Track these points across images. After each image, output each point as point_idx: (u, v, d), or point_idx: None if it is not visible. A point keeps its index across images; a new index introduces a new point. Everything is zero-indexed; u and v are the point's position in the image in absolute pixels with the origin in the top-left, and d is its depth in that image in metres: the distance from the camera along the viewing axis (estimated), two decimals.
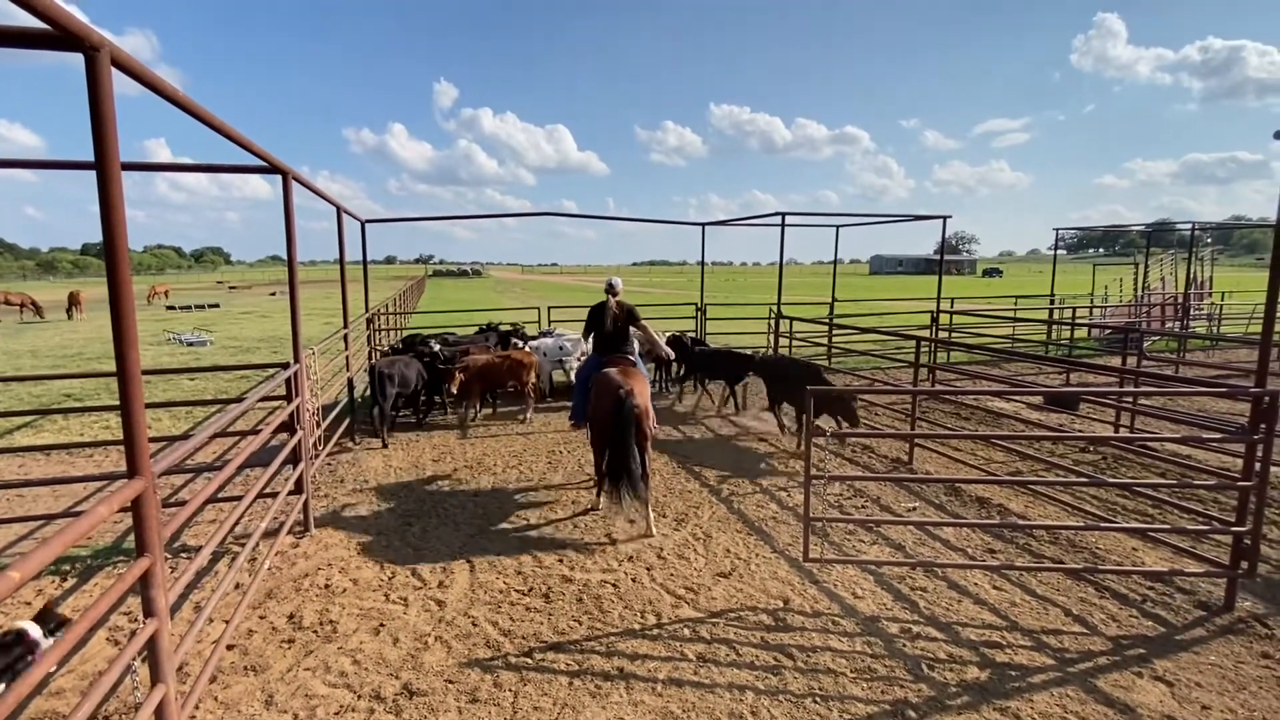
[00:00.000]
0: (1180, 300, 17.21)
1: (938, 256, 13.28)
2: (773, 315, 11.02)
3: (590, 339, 6.58)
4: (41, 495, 6.47)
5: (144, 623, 2.59)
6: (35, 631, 3.01)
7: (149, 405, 2.61)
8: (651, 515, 5.64)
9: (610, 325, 6.32)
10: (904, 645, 3.95)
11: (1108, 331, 15.14)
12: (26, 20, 1.90)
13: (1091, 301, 19.92)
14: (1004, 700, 3.46)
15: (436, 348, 9.31)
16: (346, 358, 8.47)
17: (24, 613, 4.28)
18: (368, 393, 9.00)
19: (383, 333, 12.66)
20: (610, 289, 6.46)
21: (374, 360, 9.67)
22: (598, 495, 6.02)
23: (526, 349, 10.17)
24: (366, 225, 10.01)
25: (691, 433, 8.74)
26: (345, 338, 8.28)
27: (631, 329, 6.46)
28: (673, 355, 8.76)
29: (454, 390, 8.70)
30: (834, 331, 12.40)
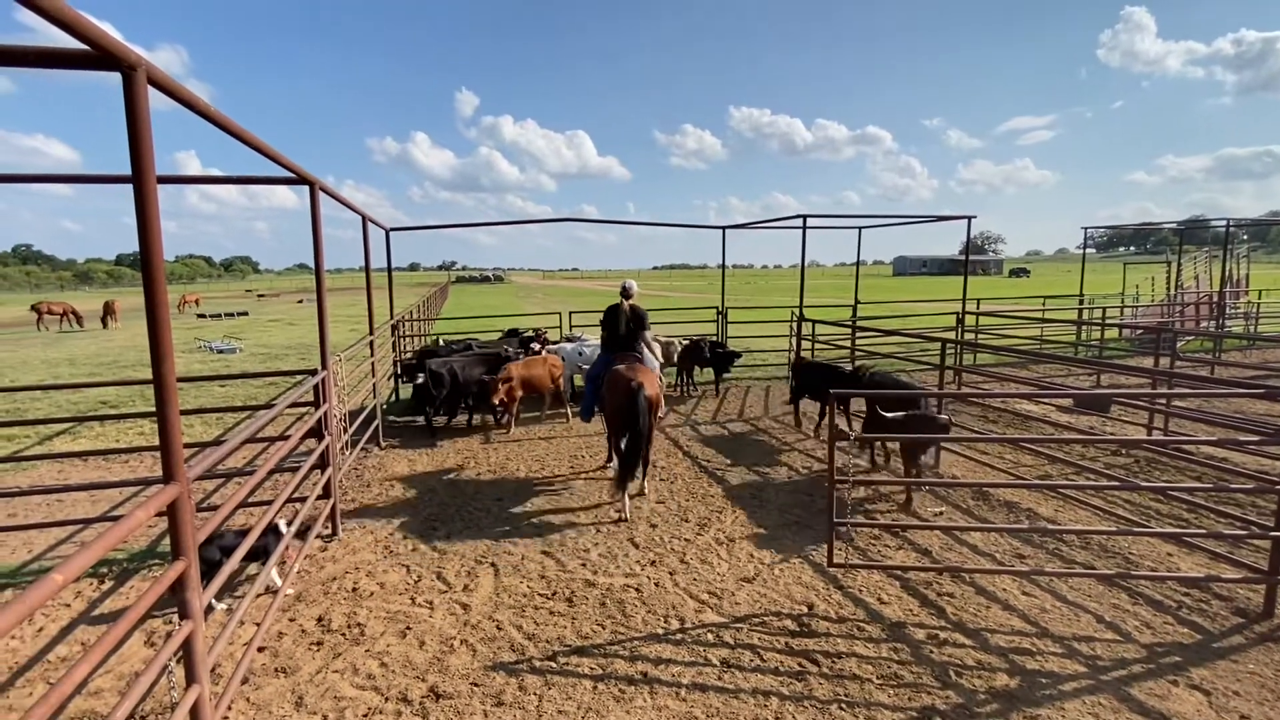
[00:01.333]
0: (1215, 299, 16.78)
1: (963, 257, 13.11)
2: (795, 318, 10.96)
3: (603, 338, 7.09)
4: (80, 500, 6.65)
5: (179, 625, 2.65)
6: (283, 525, 4.62)
7: (182, 412, 2.68)
8: (649, 483, 6.59)
9: (624, 327, 6.84)
10: (931, 651, 3.90)
11: (1139, 332, 14.81)
12: (66, 41, 1.97)
13: (1122, 301, 19.51)
14: (1034, 708, 3.40)
15: (512, 352, 9.58)
16: (372, 364, 8.59)
17: (64, 614, 4.42)
18: (412, 388, 9.14)
19: (408, 339, 12.82)
20: (625, 292, 6.94)
21: (421, 356, 9.93)
22: (620, 489, 6.10)
23: (545, 354, 10.24)
24: (391, 233, 10.16)
25: (712, 435, 8.72)
26: (371, 344, 8.40)
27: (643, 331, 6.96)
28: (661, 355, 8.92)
29: (503, 399, 8.69)
30: (857, 334, 12.29)
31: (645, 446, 6.08)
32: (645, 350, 6.95)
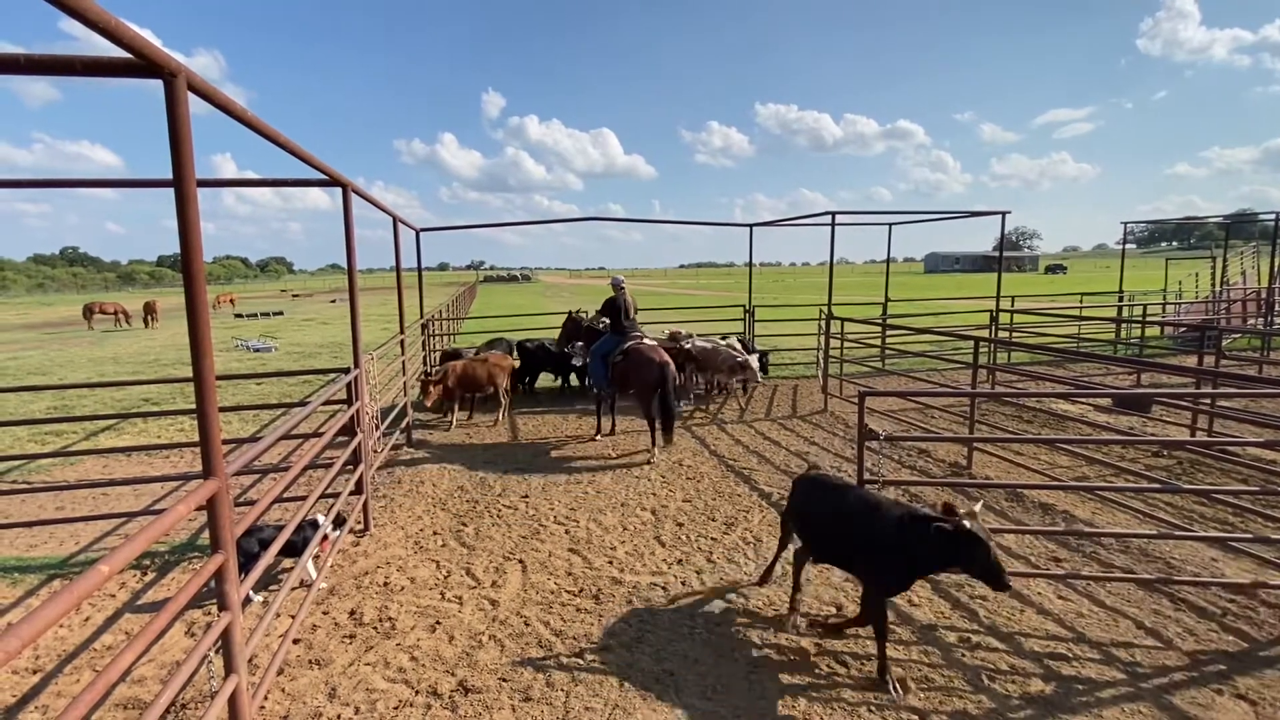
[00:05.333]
0: (1263, 295, 16.19)
1: (997, 253, 12.86)
2: (823, 317, 10.86)
3: (603, 322, 8.70)
4: (124, 494, 6.87)
5: (218, 616, 2.73)
6: (321, 519, 4.73)
7: (220, 409, 2.75)
8: (659, 451, 7.79)
9: (631, 313, 8.35)
10: (963, 655, 3.84)
11: (1182, 329, 14.36)
12: (109, 49, 2.03)
13: (1164, 298, 18.93)
14: (1070, 715, 3.32)
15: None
16: (403, 362, 8.72)
17: (109, 604, 4.57)
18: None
19: (437, 338, 12.99)
20: (620, 285, 8.40)
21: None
22: (654, 442, 7.87)
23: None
24: (421, 234, 10.30)
25: (739, 435, 8.68)
26: (402, 343, 8.53)
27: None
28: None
29: (436, 398, 9.05)
30: (887, 332, 12.13)
31: (673, 406, 7.58)
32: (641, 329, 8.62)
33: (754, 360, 9.99)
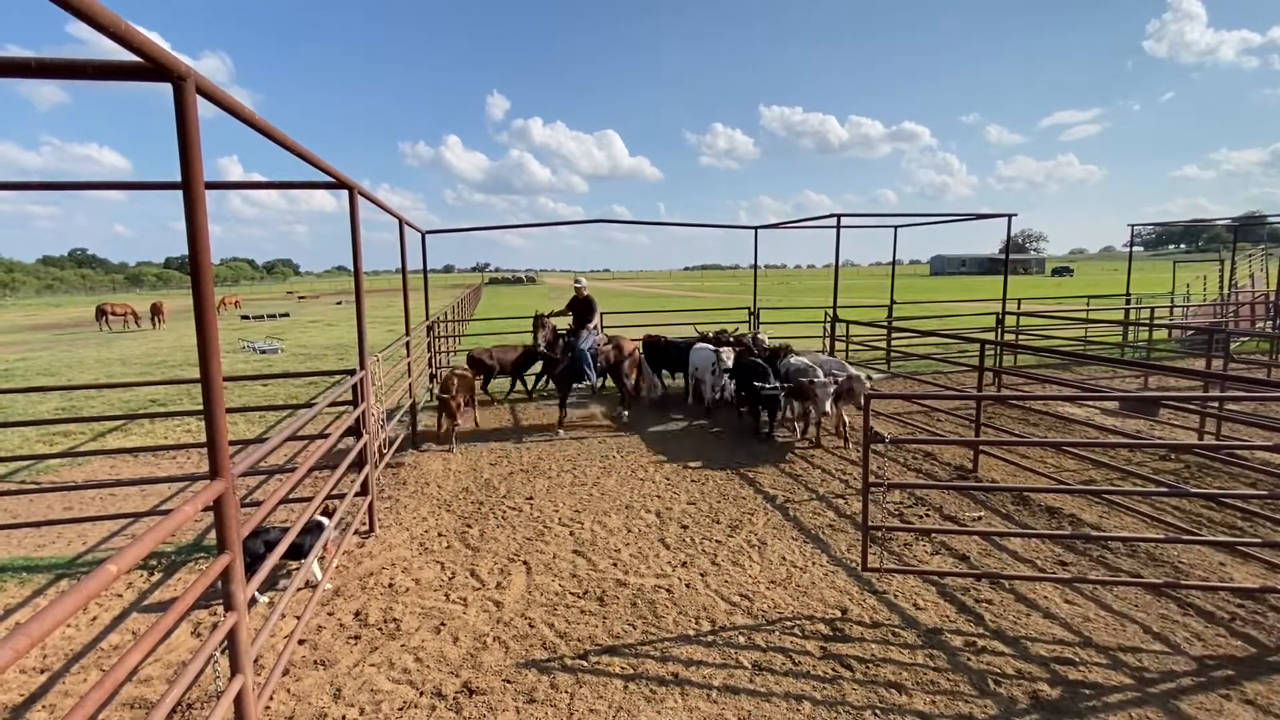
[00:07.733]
0: (1272, 298, 16.08)
1: (1003, 256, 12.80)
2: (828, 319, 10.83)
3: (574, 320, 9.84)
4: (131, 494, 6.90)
5: (224, 616, 2.74)
6: (326, 521, 4.74)
7: (226, 410, 2.76)
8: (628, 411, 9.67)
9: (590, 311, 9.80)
10: (968, 659, 3.82)
11: (1190, 332, 14.28)
12: (118, 53, 2.04)
13: (1172, 301, 18.83)
14: None
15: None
16: (409, 364, 8.75)
17: (116, 604, 4.59)
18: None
19: (442, 339, 13.01)
20: (583, 286, 9.82)
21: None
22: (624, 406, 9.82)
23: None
24: (426, 236, 10.33)
25: (747, 437, 8.67)
26: (407, 345, 8.56)
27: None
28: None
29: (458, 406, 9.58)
30: (893, 335, 12.09)
31: (647, 381, 10.39)
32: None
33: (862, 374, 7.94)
